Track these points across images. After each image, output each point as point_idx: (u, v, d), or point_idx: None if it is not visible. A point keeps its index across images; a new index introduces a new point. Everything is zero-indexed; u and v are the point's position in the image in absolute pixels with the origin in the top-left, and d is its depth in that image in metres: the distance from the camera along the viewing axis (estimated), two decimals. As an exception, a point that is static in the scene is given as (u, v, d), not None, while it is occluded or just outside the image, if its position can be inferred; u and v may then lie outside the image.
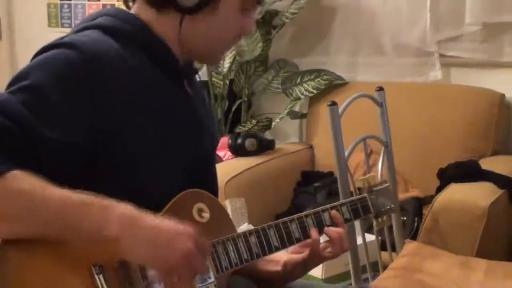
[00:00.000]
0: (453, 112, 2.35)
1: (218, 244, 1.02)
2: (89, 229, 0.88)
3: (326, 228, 1.13)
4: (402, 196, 2.14)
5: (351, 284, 1.82)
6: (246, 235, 1.05)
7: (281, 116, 2.67)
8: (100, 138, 0.94)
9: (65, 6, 3.40)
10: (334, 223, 1.14)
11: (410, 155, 2.32)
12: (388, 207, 1.24)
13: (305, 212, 1.12)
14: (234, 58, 2.64)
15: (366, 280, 1.84)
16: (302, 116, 2.78)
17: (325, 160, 2.49)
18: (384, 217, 1.27)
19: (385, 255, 1.88)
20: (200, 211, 1.03)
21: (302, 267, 1.15)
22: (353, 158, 1.86)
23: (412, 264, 1.72)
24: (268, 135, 2.79)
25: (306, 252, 1.13)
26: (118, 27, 1.01)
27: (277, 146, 2.57)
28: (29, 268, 0.88)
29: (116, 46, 0.98)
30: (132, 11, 1.06)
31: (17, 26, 3.57)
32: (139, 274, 0.94)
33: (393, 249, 1.91)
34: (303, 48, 2.81)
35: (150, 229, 0.90)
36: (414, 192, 2.25)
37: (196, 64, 1.16)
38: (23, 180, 0.86)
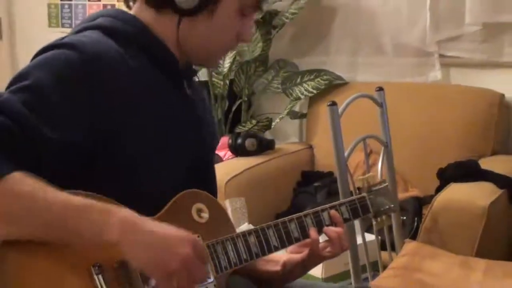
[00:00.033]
0: (453, 112, 2.35)
1: (217, 244, 1.02)
2: (90, 232, 0.88)
3: (325, 228, 1.13)
4: (401, 196, 2.15)
5: (351, 284, 1.82)
6: (245, 235, 1.05)
7: (281, 116, 2.68)
8: (100, 139, 0.94)
9: (66, 6, 3.40)
10: (333, 223, 1.14)
11: (410, 155, 2.32)
12: (388, 206, 1.24)
13: (304, 212, 1.12)
14: (234, 58, 2.65)
15: (366, 279, 1.85)
16: (302, 116, 2.78)
17: (325, 160, 2.49)
18: (384, 217, 1.27)
19: (385, 254, 1.88)
20: (199, 211, 1.03)
21: (301, 267, 1.15)
22: (353, 158, 1.86)
23: (411, 263, 1.72)
24: (268, 135, 2.80)
25: (305, 252, 1.13)
26: (119, 28, 1.01)
27: (277, 146, 2.57)
28: (29, 268, 0.88)
29: (116, 47, 0.99)
30: (132, 11, 1.07)
31: (18, 26, 3.57)
32: (139, 274, 0.94)
33: (393, 248, 1.91)
34: (303, 48, 2.81)
35: (150, 234, 0.90)
36: (414, 192, 2.25)
37: (195, 67, 1.16)
38: (23, 182, 0.87)
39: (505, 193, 1.95)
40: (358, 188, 1.26)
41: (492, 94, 2.35)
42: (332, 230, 1.13)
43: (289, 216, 1.12)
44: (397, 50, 2.59)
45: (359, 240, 1.78)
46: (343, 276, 1.94)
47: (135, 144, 0.97)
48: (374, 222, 1.55)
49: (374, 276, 1.81)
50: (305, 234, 1.11)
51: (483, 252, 1.80)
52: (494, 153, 2.31)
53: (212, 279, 1.00)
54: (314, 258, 1.13)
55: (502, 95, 2.35)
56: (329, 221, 1.14)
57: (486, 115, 2.31)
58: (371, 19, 2.62)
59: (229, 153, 2.50)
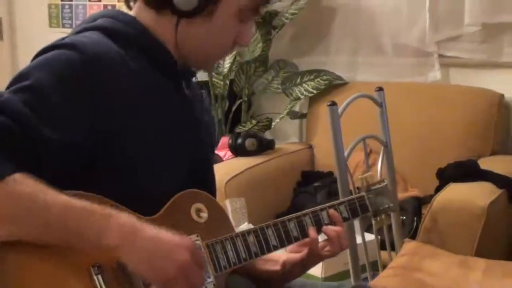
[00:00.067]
0: (452, 112, 2.35)
1: (217, 243, 1.02)
2: (90, 235, 0.89)
3: (324, 227, 1.13)
4: (401, 195, 2.15)
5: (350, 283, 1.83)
6: (244, 234, 1.05)
7: (281, 116, 2.68)
8: (100, 140, 0.94)
9: (66, 6, 3.41)
10: (332, 222, 1.14)
11: (410, 155, 2.32)
12: (387, 205, 1.24)
13: (303, 212, 1.12)
14: (235, 58, 2.65)
15: (366, 279, 1.85)
16: (302, 116, 2.79)
17: (325, 160, 2.50)
18: (383, 216, 1.27)
19: (384, 254, 1.89)
20: (198, 211, 1.03)
21: (301, 266, 1.15)
22: (352, 158, 1.87)
23: (411, 263, 1.72)
24: (268, 135, 2.80)
25: (304, 251, 1.13)
26: (119, 29, 1.02)
27: (277, 146, 2.57)
28: (28, 269, 0.88)
29: (116, 48, 0.99)
30: (132, 12, 1.07)
31: (18, 26, 3.57)
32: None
33: (393, 248, 1.91)
34: (303, 48, 2.82)
35: (150, 239, 0.91)
36: (414, 192, 2.25)
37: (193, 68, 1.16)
38: (24, 183, 0.87)
39: (504, 193, 1.95)
40: (358, 188, 1.26)
41: (492, 94, 2.35)
42: (331, 229, 1.13)
43: (288, 216, 1.12)
44: (396, 50, 2.59)
45: (358, 239, 1.79)
46: (342, 275, 1.95)
47: (136, 145, 0.98)
48: (373, 221, 1.56)
49: (373, 276, 1.82)
50: (304, 234, 1.11)
51: (482, 251, 1.81)
52: (493, 153, 2.31)
53: (211, 278, 1.00)
54: (313, 258, 1.14)
55: (502, 95, 2.35)
56: (328, 221, 1.14)
57: (486, 115, 2.32)
58: (370, 20, 2.63)
59: (229, 153, 2.51)
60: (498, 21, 2.35)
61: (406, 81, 2.57)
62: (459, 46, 2.47)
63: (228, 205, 2.09)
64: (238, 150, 2.45)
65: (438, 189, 2.03)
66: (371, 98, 1.86)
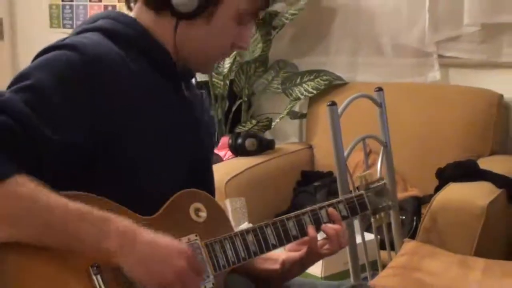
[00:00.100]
0: (452, 112, 2.36)
1: (216, 243, 1.03)
2: (89, 238, 0.89)
3: (323, 225, 1.13)
4: (401, 195, 2.15)
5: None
6: (243, 233, 1.06)
7: (281, 116, 2.69)
8: (100, 140, 0.95)
9: (67, 7, 3.41)
10: (331, 221, 1.14)
11: (409, 155, 2.33)
12: (385, 204, 1.24)
13: (302, 210, 1.13)
14: (235, 58, 2.66)
15: (365, 278, 1.85)
16: (301, 116, 2.79)
17: (325, 160, 2.50)
18: (382, 214, 1.27)
19: (384, 254, 1.89)
20: (197, 210, 1.04)
21: (300, 265, 1.15)
22: (352, 158, 1.87)
23: (411, 263, 1.72)
24: (268, 135, 2.81)
25: (303, 249, 1.13)
26: (120, 31, 1.02)
27: (277, 146, 2.58)
28: (28, 269, 0.88)
29: (116, 49, 0.99)
30: (133, 13, 1.07)
31: (19, 26, 3.58)
32: None
33: (392, 248, 1.92)
34: (303, 49, 2.82)
35: (148, 245, 0.91)
36: (413, 192, 2.26)
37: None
38: (25, 185, 0.87)
39: (503, 192, 1.96)
40: (357, 188, 1.26)
41: (491, 95, 2.35)
42: (330, 227, 1.13)
43: (287, 214, 1.12)
44: (396, 50, 2.60)
45: (358, 239, 1.79)
46: (342, 275, 1.95)
47: (136, 147, 0.98)
48: (372, 219, 1.56)
49: (373, 275, 1.82)
50: (303, 232, 1.12)
51: (481, 251, 1.81)
52: (492, 153, 2.31)
53: (210, 278, 1.01)
54: (312, 256, 1.14)
55: (501, 96, 2.35)
56: (327, 219, 1.14)
57: (485, 115, 2.32)
58: (370, 20, 2.63)
59: (229, 153, 2.51)
60: (497, 21, 2.36)
61: (405, 81, 2.57)
62: (458, 47, 2.48)
63: (228, 205, 2.10)
64: (238, 150, 2.46)
65: (437, 189, 2.03)
66: (371, 98, 1.86)
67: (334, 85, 2.64)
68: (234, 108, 2.81)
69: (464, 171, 2.05)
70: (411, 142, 2.35)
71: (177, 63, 1.06)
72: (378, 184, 1.25)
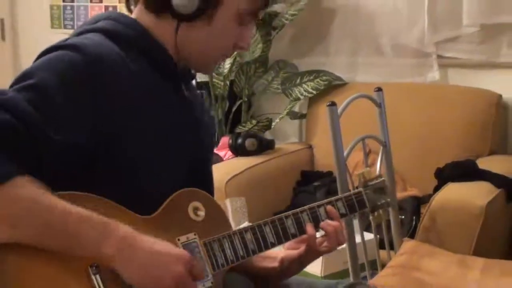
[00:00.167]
0: (451, 112, 2.36)
1: (214, 241, 1.03)
2: (88, 243, 0.90)
3: (321, 223, 1.13)
4: (400, 195, 2.16)
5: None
6: (242, 232, 1.06)
7: (281, 116, 2.69)
8: (102, 141, 0.95)
9: (68, 8, 3.42)
10: (330, 219, 1.14)
11: (409, 154, 2.33)
12: (384, 201, 1.24)
13: (300, 208, 1.13)
14: (235, 59, 2.67)
15: (365, 278, 1.85)
16: (301, 116, 2.80)
17: (324, 160, 2.51)
18: (381, 211, 1.27)
19: (383, 253, 1.89)
20: (195, 209, 1.04)
21: (298, 263, 1.15)
22: (352, 157, 1.87)
23: (410, 262, 1.72)
24: (268, 135, 2.81)
25: (302, 247, 1.13)
26: (120, 31, 1.02)
27: (277, 146, 2.58)
28: (28, 269, 0.89)
29: (117, 50, 1.00)
30: (133, 15, 1.08)
31: (20, 27, 3.59)
32: None
33: (391, 247, 1.92)
34: (303, 49, 2.83)
35: (146, 251, 0.92)
36: (412, 191, 2.26)
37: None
38: (27, 186, 0.88)
39: (502, 192, 1.96)
40: (357, 188, 1.26)
41: (490, 95, 2.36)
42: (328, 224, 1.13)
43: (286, 213, 1.12)
44: (395, 51, 2.61)
45: (358, 239, 1.79)
46: (342, 274, 1.95)
47: (136, 147, 0.98)
48: (371, 217, 1.56)
49: (372, 275, 1.82)
50: (301, 230, 1.12)
51: (480, 250, 1.82)
52: (491, 153, 2.32)
53: (209, 276, 1.01)
54: (311, 254, 1.14)
55: (500, 96, 2.36)
56: (325, 217, 1.14)
57: (484, 116, 2.33)
58: (370, 21, 2.64)
59: (229, 153, 2.52)
60: (496, 22, 2.36)
61: (405, 81, 2.58)
62: (457, 47, 2.48)
63: (228, 205, 2.10)
64: (238, 150, 2.47)
65: (436, 189, 2.04)
66: (370, 98, 1.87)
67: (334, 85, 2.64)
68: (234, 109, 2.82)
69: (463, 171, 2.05)
70: (410, 142, 2.36)
71: (178, 63, 1.07)
72: (377, 181, 1.25)
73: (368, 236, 1.88)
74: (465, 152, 2.28)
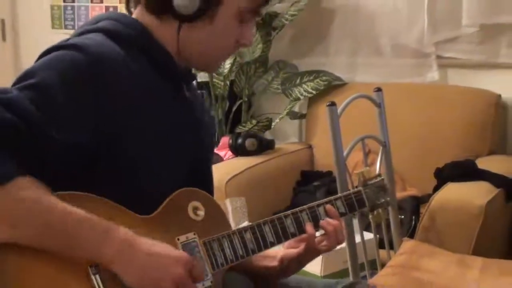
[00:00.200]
0: (451, 112, 2.37)
1: (214, 241, 1.03)
2: (88, 245, 0.90)
3: (321, 222, 1.13)
4: (400, 195, 2.16)
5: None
6: (241, 231, 1.06)
7: (280, 117, 2.70)
8: (104, 141, 0.95)
9: (69, 8, 3.43)
10: (329, 218, 1.14)
11: (408, 154, 2.34)
12: (383, 200, 1.24)
13: (300, 208, 1.13)
14: (235, 59, 2.67)
15: (364, 277, 1.86)
16: (301, 116, 2.81)
17: (324, 160, 2.51)
18: (380, 211, 1.27)
19: (383, 253, 1.89)
20: (195, 209, 1.04)
21: (297, 262, 1.15)
22: (351, 157, 1.88)
23: (409, 262, 1.73)
24: (268, 135, 2.82)
25: (301, 247, 1.13)
26: (121, 31, 1.02)
27: (277, 146, 2.59)
28: (28, 269, 0.89)
29: (118, 49, 1.00)
30: (133, 16, 1.08)
31: (21, 27, 3.59)
32: None
33: (391, 247, 1.92)
34: (303, 49, 2.84)
35: (145, 253, 0.92)
36: (412, 191, 2.27)
37: (194, 70, 1.17)
38: (28, 187, 0.88)
39: (501, 192, 1.97)
40: (356, 187, 1.26)
41: (489, 95, 2.36)
42: (328, 223, 1.13)
43: (285, 212, 1.12)
44: (395, 51, 2.61)
45: (357, 238, 1.80)
46: (341, 273, 1.96)
47: (137, 147, 0.99)
48: (370, 216, 1.57)
49: (372, 274, 1.83)
50: (301, 229, 1.12)
51: (479, 250, 1.82)
52: (490, 153, 2.32)
53: (209, 276, 1.01)
54: (310, 253, 1.14)
55: (499, 96, 2.36)
56: (325, 216, 1.14)
57: (483, 116, 2.33)
58: (369, 21, 2.65)
59: (229, 153, 2.53)
60: (496, 22, 2.37)
61: (404, 81, 2.58)
62: (457, 47, 2.49)
63: (228, 205, 2.11)
64: (238, 150, 2.47)
65: (436, 189, 2.04)
66: (370, 98, 1.87)
67: (334, 85, 2.65)
68: (234, 108, 2.82)
69: (463, 171, 2.06)
70: (410, 142, 2.36)
71: (179, 64, 1.07)
72: (376, 180, 1.25)
73: (368, 235, 1.89)
74: (464, 152, 2.28)
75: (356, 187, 1.26)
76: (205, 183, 1.12)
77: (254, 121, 2.73)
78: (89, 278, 0.91)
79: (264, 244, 1.08)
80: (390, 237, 1.92)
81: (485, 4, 2.36)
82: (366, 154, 1.92)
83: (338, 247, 1.17)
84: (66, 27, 3.42)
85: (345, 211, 1.18)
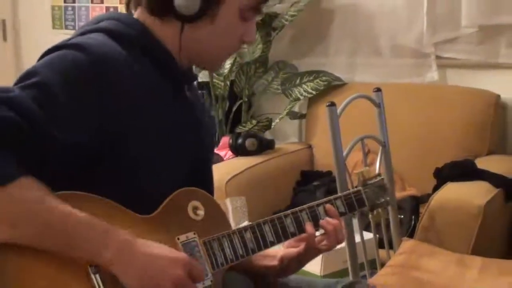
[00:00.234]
0: (450, 112, 2.37)
1: (214, 240, 1.03)
2: (87, 247, 0.90)
3: (321, 221, 1.13)
4: (399, 194, 2.16)
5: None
6: (241, 231, 1.06)
7: (280, 117, 2.70)
8: (107, 140, 0.95)
9: (69, 8, 3.44)
10: (329, 217, 1.14)
11: (407, 154, 2.34)
12: (383, 199, 1.24)
13: (299, 207, 1.13)
14: (235, 59, 2.67)
15: (364, 277, 1.86)
16: (301, 116, 2.81)
17: (324, 160, 2.52)
18: (380, 210, 1.28)
19: (382, 252, 1.90)
20: (195, 208, 1.04)
21: (297, 261, 1.15)
22: (351, 157, 1.88)
23: (409, 261, 1.73)
24: (268, 135, 2.82)
25: (301, 246, 1.13)
26: (122, 31, 1.03)
27: (277, 146, 2.59)
28: (28, 269, 0.89)
29: (119, 49, 1.00)
30: (134, 16, 1.08)
31: (22, 28, 3.60)
32: None
33: (391, 246, 1.92)
34: (302, 50, 2.84)
35: (144, 255, 0.93)
36: (411, 191, 2.27)
37: (195, 70, 1.17)
38: (30, 188, 0.88)
39: (500, 192, 1.97)
40: (356, 187, 1.26)
41: (489, 95, 2.37)
42: (327, 222, 1.13)
43: (285, 212, 1.12)
44: (394, 51, 2.62)
45: (357, 238, 1.80)
46: (341, 273, 1.96)
47: (139, 146, 0.99)
48: (370, 216, 1.57)
49: (372, 274, 1.83)
50: (301, 229, 1.12)
51: (479, 250, 1.82)
52: (490, 153, 2.33)
53: (209, 275, 1.01)
54: (310, 252, 1.14)
55: (498, 96, 2.37)
56: (324, 216, 1.14)
57: (483, 116, 2.34)
58: (369, 21, 2.65)
59: (229, 153, 2.53)
60: (495, 22, 2.37)
61: (404, 82, 2.59)
62: (456, 48, 2.49)
63: (228, 204, 2.11)
64: (238, 150, 2.48)
65: (435, 189, 2.04)
66: (370, 98, 1.88)
67: (333, 85, 2.65)
68: (234, 109, 2.83)
69: (462, 170, 2.06)
70: (409, 142, 2.36)
71: (181, 64, 1.07)
72: (376, 180, 1.25)
73: (368, 235, 1.89)
74: (463, 152, 2.29)
75: (356, 187, 1.26)
76: (205, 183, 1.12)
77: (254, 121, 2.74)
78: (89, 277, 0.91)
79: (264, 244, 1.08)
80: (389, 236, 1.92)
81: (484, 4, 2.36)
82: (366, 154, 1.92)
83: (338, 246, 1.17)
84: (66, 28, 3.43)
85: (345, 211, 1.18)
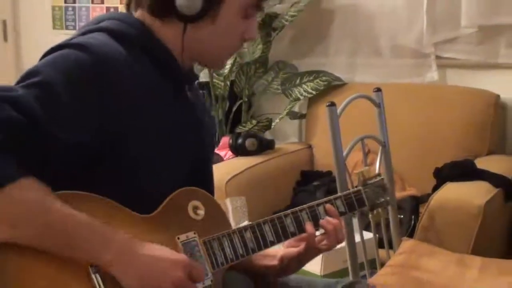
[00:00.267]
0: (450, 112, 2.38)
1: (214, 240, 1.03)
2: (87, 246, 0.91)
3: (321, 221, 1.13)
4: (399, 194, 2.17)
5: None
6: (241, 230, 1.06)
7: (280, 117, 2.71)
8: (108, 140, 0.95)
9: (70, 8, 3.44)
10: (329, 217, 1.14)
11: (407, 154, 2.34)
12: (383, 199, 1.24)
13: (299, 207, 1.13)
14: (235, 59, 2.68)
15: (364, 277, 1.86)
16: (301, 116, 2.81)
17: (324, 160, 2.52)
18: (380, 210, 1.28)
19: (382, 252, 1.90)
20: (195, 208, 1.04)
21: (297, 261, 1.15)
22: (351, 157, 1.88)
23: (409, 261, 1.73)
24: (268, 135, 2.83)
25: (301, 246, 1.14)
26: (124, 31, 1.03)
27: (277, 146, 2.60)
28: (28, 269, 0.89)
29: (120, 49, 1.00)
30: (135, 17, 1.07)
31: (23, 28, 3.60)
32: None
33: (391, 246, 1.93)
34: (302, 50, 2.84)
35: (144, 257, 0.93)
36: (411, 191, 2.28)
37: (196, 70, 1.18)
38: (31, 188, 0.88)
39: (500, 192, 1.97)
40: (356, 187, 1.26)
41: (488, 95, 2.37)
42: (327, 222, 1.13)
43: (285, 211, 1.12)
44: (394, 51, 2.62)
45: (357, 238, 1.80)
46: (341, 273, 1.96)
47: (139, 146, 0.99)
48: (370, 215, 1.57)
49: (372, 274, 1.83)
50: (301, 229, 1.12)
51: (478, 250, 1.82)
52: (489, 152, 2.33)
53: (209, 275, 1.01)
54: (310, 252, 1.14)
55: (498, 96, 2.37)
56: (324, 216, 1.14)
57: (482, 116, 2.34)
58: (369, 21, 2.66)
59: (229, 153, 2.53)
60: (495, 23, 2.38)
61: (404, 82, 2.59)
62: (456, 48, 2.50)
63: (228, 204, 2.11)
64: (238, 150, 2.48)
65: (435, 188, 2.04)
66: (369, 98, 1.88)
67: (333, 85, 2.65)
68: (234, 109, 2.83)
69: (462, 170, 2.06)
70: (409, 142, 2.37)
71: (183, 65, 1.07)
72: (376, 180, 1.25)
73: (368, 235, 1.89)
74: (463, 152, 2.29)
75: (356, 186, 1.26)
76: (206, 183, 1.12)
77: (254, 121, 2.74)
78: (89, 277, 0.92)
79: (264, 243, 1.08)
80: (389, 236, 1.93)
81: (484, 5, 2.36)
82: (366, 154, 1.93)
83: (338, 246, 1.17)
84: (67, 28, 3.43)
85: (345, 211, 1.18)
